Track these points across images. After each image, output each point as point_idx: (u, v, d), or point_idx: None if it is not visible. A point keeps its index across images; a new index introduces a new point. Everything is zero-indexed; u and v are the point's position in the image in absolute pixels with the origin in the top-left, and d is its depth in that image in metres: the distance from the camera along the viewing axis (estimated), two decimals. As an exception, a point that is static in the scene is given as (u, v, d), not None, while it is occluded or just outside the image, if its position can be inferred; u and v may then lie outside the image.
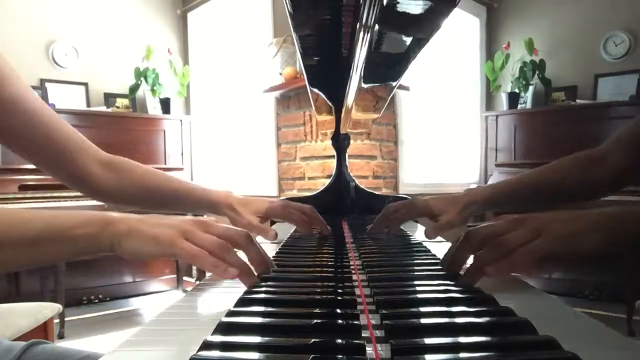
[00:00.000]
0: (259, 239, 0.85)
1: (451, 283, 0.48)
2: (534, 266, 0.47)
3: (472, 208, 0.83)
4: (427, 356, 0.28)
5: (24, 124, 0.70)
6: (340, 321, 0.35)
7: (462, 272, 0.51)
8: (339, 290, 0.44)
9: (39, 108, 0.72)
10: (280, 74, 2.95)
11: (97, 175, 0.80)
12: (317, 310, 0.38)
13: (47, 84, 3.33)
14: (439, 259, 0.60)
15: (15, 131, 0.70)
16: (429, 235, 0.81)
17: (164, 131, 3.64)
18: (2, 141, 0.72)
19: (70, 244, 0.48)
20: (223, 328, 0.34)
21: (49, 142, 0.73)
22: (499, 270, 0.46)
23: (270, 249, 0.76)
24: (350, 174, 1.23)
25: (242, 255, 0.52)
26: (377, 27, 0.63)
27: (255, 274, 0.51)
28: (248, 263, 0.51)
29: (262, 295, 0.44)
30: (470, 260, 0.51)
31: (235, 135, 3.68)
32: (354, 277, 0.52)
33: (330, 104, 1.17)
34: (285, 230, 0.97)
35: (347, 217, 1.16)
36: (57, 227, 0.48)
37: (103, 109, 3.49)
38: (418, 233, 1.00)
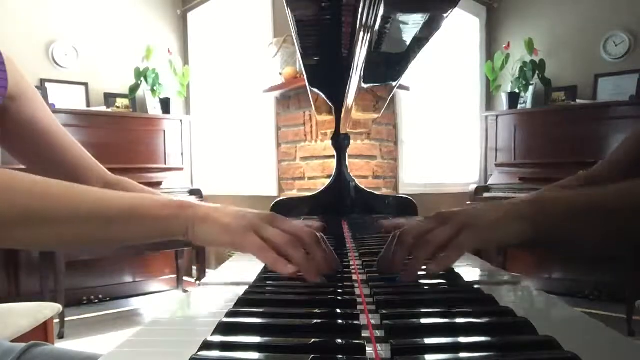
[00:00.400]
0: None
1: (447, 283, 0.48)
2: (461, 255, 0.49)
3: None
4: (427, 356, 0.28)
5: (38, 143, 0.71)
6: (340, 321, 0.35)
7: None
8: (339, 290, 0.44)
9: (55, 130, 0.73)
10: (280, 74, 2.95)
11: None
12: (317, 310, 0.38)
13: (47, 84, 3.33)
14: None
15: (31, 150, 0.71)
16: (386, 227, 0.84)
17: (164, 131, 3.64)
18: (18, 159, 0.72)
19: (151, 224, 0.49)
20: (223, 328, 0.34)
21: (62, 162, 0.75)
22: (434, 268, 0.48)
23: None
24: (350, 174, 1.23)
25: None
26: (377, 27, 0.63)
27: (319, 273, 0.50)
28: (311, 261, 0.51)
29: (262, 296, 0.44)
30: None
31: (235, 135, 3.68)
32: (354, 277, 0.52)
33: (330, 104, 1.17)
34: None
35: (347, 217, 1.16)
36: (139, 207, 0.49)
37: (103, 109, 3.49)
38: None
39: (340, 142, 1.23)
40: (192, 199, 3.37)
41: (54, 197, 0.47)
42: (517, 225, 0.49)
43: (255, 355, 0.30)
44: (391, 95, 1.18)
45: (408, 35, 0.71)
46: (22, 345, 0.69)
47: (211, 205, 0.52)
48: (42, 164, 0.74)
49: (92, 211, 0.48)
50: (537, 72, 3.40)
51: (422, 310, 0.38)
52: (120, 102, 3.59)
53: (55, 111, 3.17)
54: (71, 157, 0.76)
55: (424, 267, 0.49)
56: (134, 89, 3.55)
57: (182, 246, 3.31)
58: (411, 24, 0.66)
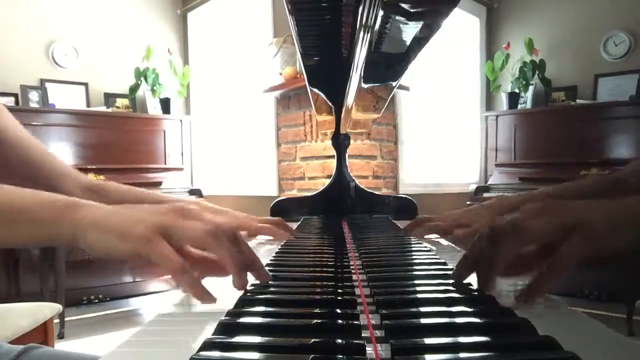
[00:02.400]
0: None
1: (453, 285, 0.48)
2: (572, 269, 0.39)
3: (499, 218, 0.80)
4: (427, 356, 0.28)
5: (7, 157, 0.69)
6: (340, 321, 0.35)
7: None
8: (339, 290, 0.44)
9: (13, 128, 0.71)
10: (280, 74, 2.95)
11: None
12: (317, 310, 0.38)
13: (47, 84, 3.33)
14: (439, 258, 0.60)
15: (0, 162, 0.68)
16: (458, 235, 0.75)
17: (164, 131, 3.65)
18: None
19: (27, 227, 0.41)
20: (223, 328, 0.34)
21: (24, 162, 0.72)
22: (551, 288, 0.39)
23: (270, 249, 0.76)
24: (350, 174, 1.23)
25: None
26: (377, 27, 0.63)
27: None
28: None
29: (262, 295, 0.44)
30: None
31: (235, 135, 3.68)
32: (354, 277, 0.52)
33: (330, 104, 1.17)
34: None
35: (347, 217, 1.16)
36: (15, 206, 0.42)
37: (103, 109, 3.49)
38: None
39: (340, 142, 1.23)
40: (192, 199, 3.37)
41: None
42: (634, 229, 0.40)
43: (256, 355, 0.30)
44: (391, 95, 1.18)
45: (408, 35, 0.71)
46: (20, 347, 0.68)
47: (110, 207, 0.43)
48: (13, 175, 0.72)
49: None
50: (537, 72, 3.40)
51: (422, 310, 0.38)
52: (120, 102, 3.59)
53: (56, 111, 3.18)
54: (43, 163, 0.73)
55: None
56: (134, 89, 3.55)
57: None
58: (411, 24, 0.66)
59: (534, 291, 0.39)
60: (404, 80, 1.54)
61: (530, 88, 3.51)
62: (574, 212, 0.41)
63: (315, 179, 2.89)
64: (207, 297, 0.40)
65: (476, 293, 0.44)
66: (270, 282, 0.49)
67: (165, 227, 0.40)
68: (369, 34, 0.62)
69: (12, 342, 0.73)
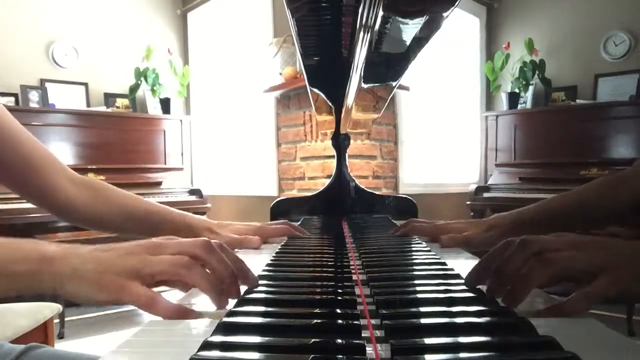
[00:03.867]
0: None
1: (460, 285, 0.48)
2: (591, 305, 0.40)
3: (495, 230, 0.80)
4: (427, 356, 0.28)
5: None
6: (340, 321, 0.35)
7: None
8: (339, 290, 0.44)
9: (9, 123, 0.71)
10: (280, 74, 2.95)
11: (70, 194, 0.77)
12: (317, 310, 0.38)
13: (47, 84, 3.33)
14: (439, 258, 0.60)
15: None
16: (443, 242, 0.78)
17: (164, 131, 3.65)
18: None
19: (8, 280, 0.42)
20: (223, 328, 0.34)
21: (19, 157, 0.71)
22: (562, 314, 0.40)
23: (270, 249, 0.76)
24: (350, 174, 1.23)
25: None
26: (377, 27, 0.63)
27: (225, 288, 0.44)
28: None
29: (262, 295, 0.44)
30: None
31: (235, 135, 3.68)
32: (354, 277, 0.52)
33: (330, 104, 1.17)
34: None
35: (347, 217, 1.16)
36: None
37: (103, 109, 3.49)
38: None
39: (340, 142, 1.23)
40: (192, 199, 3.37)
41: None
42: None
43: (255, 355, 0.30)
44: (391, 95, 1.18)
45: (408, 35, 0.71)
46: (21, 346, 0.68)
47: (83, 252, 0.43)
48: (2, 165, 0.72)
49: None
50: (537, 72, 3.40)
51: (422, 310, 0.38)
52: (120, 102, 3.59)
53: (56, 111, 3.18)
54: (33, 155, 0.73)
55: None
56: (134, 89, 3.55)
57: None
58: (411, 24, 0.66)
59: (555, 311, 0.40)
60: (404, 80, 1.54)
61: (530, 88, 3.51)
62: (609, 253, 0.42)
63: (315, 179, 2.89)
64: (190, 315, 0.42)
65: (476, 293, 0.44)
66: (270, 282, 0.49)
67: (135, 270, 0.42)
68: (369, 34, 0.62)
69: (12, 342, 0.73)
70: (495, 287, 0.43)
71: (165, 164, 3.61)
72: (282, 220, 0.89)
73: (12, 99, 3.17)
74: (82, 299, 0.42)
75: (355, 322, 0.34)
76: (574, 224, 0.82)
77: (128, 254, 0.43)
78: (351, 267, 0.57)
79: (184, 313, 0.42)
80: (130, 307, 3.17)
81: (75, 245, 0.45)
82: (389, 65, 0.89)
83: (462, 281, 0.47)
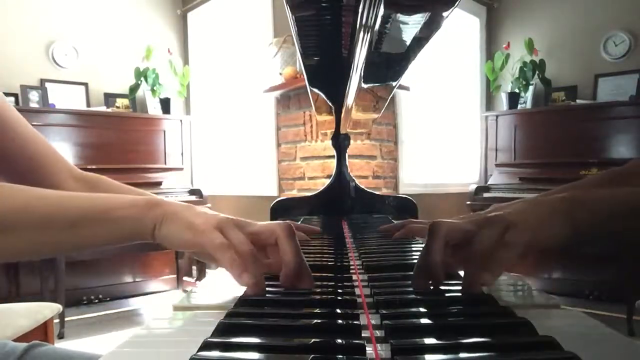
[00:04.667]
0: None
1: (450, 285, 0.48)
2: (514, 263, 0.45)
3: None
4: (427, 356, 0.28)
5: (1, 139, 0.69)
6: (340, 321, 0.35)
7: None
8: (339, 290, 0.44)
9: (15, 119, 0.71)
10: (280, 74, 2.95)
11: (72, 189, 0.78)
12: (317, 310, 0.38)
13: (47, 84, 3.33)
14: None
15: None
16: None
17: (164, 131, 3.65)
18: None
19: (114, 226, 0.46)
20: (223, 328, 0.34)
21: (23, 154, 0.72)
22: (489, 279, 0.44)
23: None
24: (350, 174, 1.23)
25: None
26: (377, 27, 0.63)
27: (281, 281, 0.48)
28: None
29: (262, 295, 0.44)
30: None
31: (235, 135, 3.68)
32: (354, 277, 0.52)
33: (330, 104, 1.17)
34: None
35: (347, 217, 1.16)
36: (100, 208, 0.46)
37: (103, 109, 3.49)
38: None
39: (340, 142, 1.23)
40: (192, 199, 3.37)
41: (7, 200, 0.44)
42: (561, 223, 0.46)
43: (255, 355, 0.30)
44: (391, 95, 1.18)
45: (408, 35, 0.71)
46: (24, 345, 0.69)
47: (182, 204, 0.49)
48: (5, 158, 0.72)
49: (52, 215, 0.44)
50: (537, 72, 3.40)
51: (422, 310, 0.38)
52: (120, 102, 3.59)
53: (56, 111, 3.18)
54: (37, 151, 0.73)
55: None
56: (134, 89, 3.55)
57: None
58: (411, 23, 0.66)
59: (489, 278, 0.44)
60: (404, 80, 1.54)
61: (530, 88, 3.51)
62: (505, 214, 0.47)
63: (315, 179, 2.89)
64: (241, 277, 0.44)
65: (476, 293, 0.44)
66: (270, 282, 0.49)
67: (222, 227, 0.46)
68: (369, 34, 0.62)
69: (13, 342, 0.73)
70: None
71: (165, 164, 3.61)
72: (287, 222, 0.89)
73: (12, 99, 3.17)
74: (171, 239, 0.46)
75: (355, 322, 0.34)
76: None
77: (219, 217, 0.48)
78: (351, 267, 0.57)
79: (239, 275, 0.44)
80: (130, 307, 3.18)
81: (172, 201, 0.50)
82: (389, 65, 0.89)
83: (462, 281, 0.47)
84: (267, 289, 0.46)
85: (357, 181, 1.23)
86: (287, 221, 0.51)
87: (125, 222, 0.46)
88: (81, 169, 0.83)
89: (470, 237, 0.47)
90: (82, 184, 0.80)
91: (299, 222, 1.06)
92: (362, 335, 0.32)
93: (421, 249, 0.70)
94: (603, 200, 0.49)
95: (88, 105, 3.47)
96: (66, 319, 2.61)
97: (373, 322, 0.36)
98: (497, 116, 3.63)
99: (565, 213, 0.47)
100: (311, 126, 2.91)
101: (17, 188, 0.46)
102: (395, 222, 0.90)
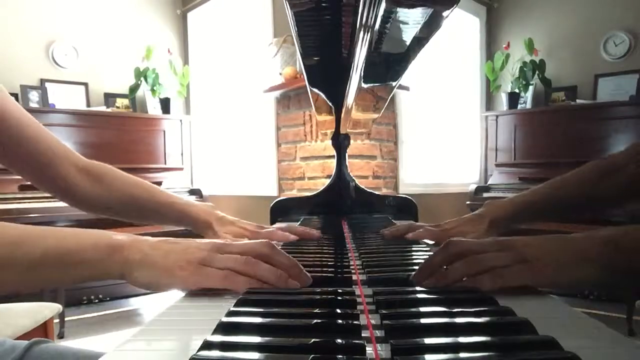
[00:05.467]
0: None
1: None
2: (508, 287, 0.44)
3: (497, 227, 0.80)
4: (427, 356, 0.28)
5: (8, 135, 0.69)
6: (340, 321, 0.35)
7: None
8: (339, 290, 0.44)
9: (24, 117, 0.72)
10: (280, 74, 2.95)
11: (77, 183, 0.78)
12: (317, 310, 0.38)
13: (47, 84, 3.33)
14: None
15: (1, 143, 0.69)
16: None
17: (164, 131, 3.65)
18: None
19: (75, 269, 0.44)
20: (223, 328, 0.34)
21: (34, 151, 0.72)
22: (474, 284, 0.44)
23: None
24: (350, 174, 1.23)
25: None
26: (377, 27, 0.63)
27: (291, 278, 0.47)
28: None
29: (262, 296, 0.44)
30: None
31: (235, 135, 3.68)
32: (354, 277, 0.52)
33: (330, 104, 1.17)
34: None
35: (347, 217, 1.16)
36: (61, 251, 0.44)
37: (103, 109, 3.49)
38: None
39: (340, 142, 1.23)
40: (192, 199, 3.37)
41: None
42: (589, 269, 0.43)
43: (256, 355, 0.30)
44: (391, 95, 1.18)
45: (408, 35, 0.71)
46: (25, 342, 0.69)
47: (149, 242, 0.46)
48: (18, 156, 0.72)
49: (11, 256, 0.42)
50: (537, 72, 3.40)
51: (422, 310, 0.38)
52: (120, 102, 3.59)
53: (56, 111, 3.18)
54: (46, 147, 0.74)
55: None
56: (134, 89, 3.55)
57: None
58: (411, 23, 0.66)
59: (469, 284, 0.45)
60: (404, 80, 1.54)
61: (530, 88, 3.51)
62: (529, 250, 0.46)
63: (315, 179, 2.89)
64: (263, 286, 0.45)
65: (476, 293, 0.44)
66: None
67: (203, 260, 0.45)
68: (369, 34, 0.62)
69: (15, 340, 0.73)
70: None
71: (165, 164, 3.61)
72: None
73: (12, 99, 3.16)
74: (150, 286, 0.45)
75: (355, 322, 0.34)
76: (578, 210, 0.81)
77: (195, 248, 0.46)
78: (351, 267, 0.57)
79: (263, 286, 0.45)
80: (130, 307, 3.17)
81: (139, 237, 0.47)
82: (388, 65, 0.89)
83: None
84: (267, 288, 0.46)
85: (357, 181, 1.23)
86: (264, 240, 0.50)
87: (87, 266, 0.44)
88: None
89: (481, 251, 0.46)
90: (86, 175, 0.80)
91: (299, 222, 1.06)
92: (362, 335, 0.33)
93: (421, 248, 0.70)
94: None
95: (88, 105, 3.47)
96: (66, 318, 2.61)
97: (373, 322, 0.36)
98: (497, 116, 3.63)
99: (603, 261, 0.44)
100: (311, 126, 2.91)
101: None
102: (397, 223, 0.89)
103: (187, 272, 0.44)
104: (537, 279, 0.44)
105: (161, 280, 0.44)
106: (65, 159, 0.77)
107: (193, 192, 3.45)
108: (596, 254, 0.44)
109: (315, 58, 0.93)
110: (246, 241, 0.50)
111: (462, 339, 0.31)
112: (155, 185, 0.87)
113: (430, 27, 0.65)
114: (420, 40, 0.72)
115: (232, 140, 3.71)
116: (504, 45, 3.58)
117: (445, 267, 0.47)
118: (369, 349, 0.30)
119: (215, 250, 0.47)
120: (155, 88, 3.57)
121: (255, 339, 0.32)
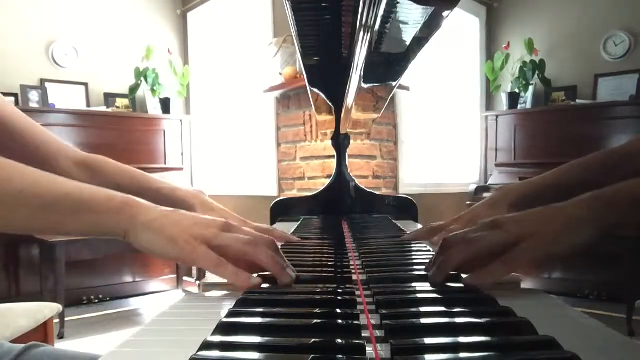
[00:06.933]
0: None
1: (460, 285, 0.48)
2: (519, 270, 0.45)
3: (516, 211, 0.79)
4: (427, 356, 0.28)
5: (0, 131, 0.69)
6: (340, 321, 0.35)
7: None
8: (339, 290, 0.44)
9: (11, 113, 0.72)
10: (280, 74, 2.95)
11: (75, 177, 0.76)
12: (317, 310, 0.38)
13: (47, 84, 3.33)
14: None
15: None
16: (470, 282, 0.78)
17: (164, 131, 3.65)
18: None
19: (85, 215, 0.45)
20: (223, 328, 0.34)
21: (30, 145, 0.73)
22: (481, 280, 0.44)
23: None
24: (350, 174, 1.23)
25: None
26: (377, 27, 0.63)
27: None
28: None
29: (262, 296, 0.44)
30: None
31: (235, 135, 3.68)
32: (354, 277, 0.52)
33: (330, 104, 1.17)
34: (286, 228, 0.97)
35: (347, 217, 1.16)
36: (76, 196, 0.45)
37: (103, 109, 3.49)
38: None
39: (340, 142, 1.23)
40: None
41: None
42: (583, 230, 0.44)
43: (255, 355, 0.30)
44: (391, 95, 1.18)
45: (408, 35, 0.71)
46: (21, 346, 0.69)
47: (161, 209, 0.47)
48: (9, 152, 0.73)
49: (23, 194, 0.43)
50: (537, 72, 3.40)
51: (422, 310, 0.38)
52: (120, 102, 3.59)
53: (56, 111, 3.18)
54: (38, 142, 0.74)
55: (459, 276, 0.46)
56: (134, 89, 3.55)
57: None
58: (411, 23, 0.66)
59: (482, 276, 0.44)
60: (404, 80, 1.54)
61: (530, 88, 3.51)
62: (523, 225, 0.46)
63: (315, 179, 2.88)
64: (253, 282, 0.45)
65: (476, 293, 0.44)
66: (270, 282, 0.49)
67: (207, 240, 0.45)
68: (369, 34, 0.62)
69: (12, 342, 0.73)
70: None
71: (165, 164, 3.61)
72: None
73: (12, 99, 3.17)
74: (150, 250, 0.45)
75: (355, 322, 0.34)
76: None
77: (204, 224, 0.47)
78: (351, 267, 0.57)
79: (247, 279, 0.45)
80: (130, 307, 3.18)
81: (152, 204, 0.48)
82: (388, 65, 0.89)
83: (461, 281, 0.47)
84: (267, 288, 0.46)
85: (357, 181, 1.23)
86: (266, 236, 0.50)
87: (98, 216, 0.45)
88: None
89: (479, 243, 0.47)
90: (84, 169, 0.80)
91: (299, 222, 1.06)
92: (362, 335, 0.32)
93: (421, 248, 0.70)
94: (630, 197, 0.47)
95: (88, 105, 3.47)
96: (66, 319, 2.61)
97: (373, 322, 0.36)
98: (497, 116, 3.63)
99: (595, 219, 0.45)
100: (311, 126, 2.91)
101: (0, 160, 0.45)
102: (397, 223, 0.89)
103: (188, 247, 0.44)
104: (540, 253, 0.44)
105: (162, 248, 0.45)
106: (61, 153, 0.77)
107: (193, 192, 3.44)
108: (587, 213, 0.45)
109: (315, 58, 0.93)
110: (252, 230, 0.51)
111: (462, 339, 0.31)
112: (145, 173, 0.86)
113: (430, 27, 0.66)
114: (420, 40, 0.72)
115: (232, 140, 3.70)
116: (504, 45, 3.58)
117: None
118: (369, 349, 0.30)
119: (222, 229, 0.47)
120: (155, 88, 3.57)
121: (255, 339, 0.32)
